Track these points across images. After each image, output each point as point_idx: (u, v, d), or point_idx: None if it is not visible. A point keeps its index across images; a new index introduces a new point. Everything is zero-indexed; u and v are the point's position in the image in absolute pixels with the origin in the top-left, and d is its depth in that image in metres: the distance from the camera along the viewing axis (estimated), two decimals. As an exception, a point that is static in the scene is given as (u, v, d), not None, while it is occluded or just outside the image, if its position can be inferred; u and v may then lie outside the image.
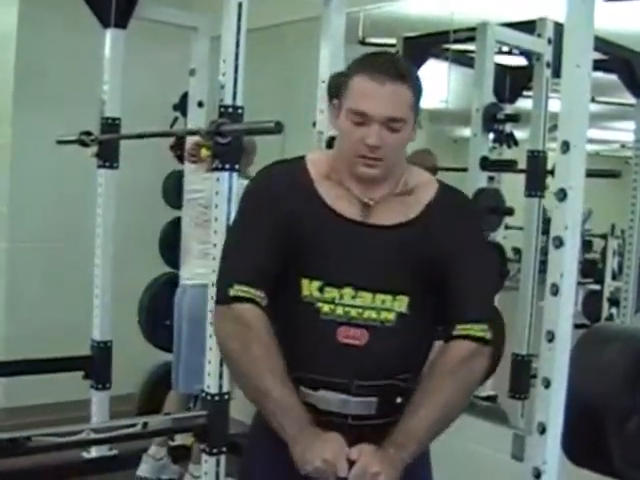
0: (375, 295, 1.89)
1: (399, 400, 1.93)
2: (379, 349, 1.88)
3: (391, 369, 1.91)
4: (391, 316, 1.89)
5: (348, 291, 1.89)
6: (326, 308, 1.89)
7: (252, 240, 1.94)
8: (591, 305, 5.60)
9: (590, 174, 4.94)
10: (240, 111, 3.28)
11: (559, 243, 2.07)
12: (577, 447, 2.26)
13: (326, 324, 1.88)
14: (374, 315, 1.89)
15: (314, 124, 3.71)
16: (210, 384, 3.40)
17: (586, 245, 6.71)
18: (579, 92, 2.08)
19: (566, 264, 2.07)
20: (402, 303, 1.90)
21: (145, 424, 3.74)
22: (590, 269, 6.29)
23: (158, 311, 4.59)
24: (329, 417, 1.88)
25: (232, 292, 1.88)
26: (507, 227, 5.04)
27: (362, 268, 1.90)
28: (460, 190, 2.08)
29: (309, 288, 1.90)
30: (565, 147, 2.08)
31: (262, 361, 1.83)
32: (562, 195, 2.08)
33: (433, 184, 2.01)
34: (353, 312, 1.88)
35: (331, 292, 1.89)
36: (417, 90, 1.92)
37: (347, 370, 1.87)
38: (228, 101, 3.27)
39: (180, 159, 4.71)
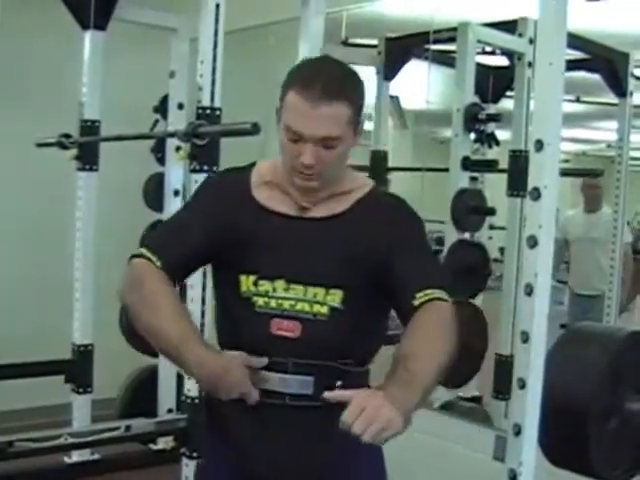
0: (307, 288, 1.89)
1: (339, 383, 1.90)
2: (313, 342, 1.88)
3: (327, 359, 1.90)
4: (324, 310, 1.88)
5: (280, 284, 1.89)
6: (260, 301, 1.90)
7: (177, 226, 2.03)
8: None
9: (573, 173, 4.97)
10: (218, 113, 3.27)
11: (533, 242, 2.06)
12: (556, 447, 2.25)
13: (260, 317, 1.90)
14: (307, 308, 1.89)
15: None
16: (190, 387, 3.39)
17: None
18: (552, 90, 2.08)
19: (540, 264, 2.06)
20: (335, 297, 1.88)
21: (128, 427, 3.72)
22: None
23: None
24: (268, 398, 1.88)
25: (135, 252, 1.95)
26: (492, 227, 5.05)
27: (295, 261, 1.90)
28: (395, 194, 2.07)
29: (246, 283, 1.91)
30: (539, 145, 2.07)
31: (159, 308, 1.86)
32: (536, 194, 2.07)
33: (367, 186, 2.01)
34: (286, 304, 1.89)
35: (264, 285, 1.90)
36: (356, 100, 1.88)
37: (283, 355, 1.89)
38: (206, 103, 3.25)
39: (161, 161, 4.68)
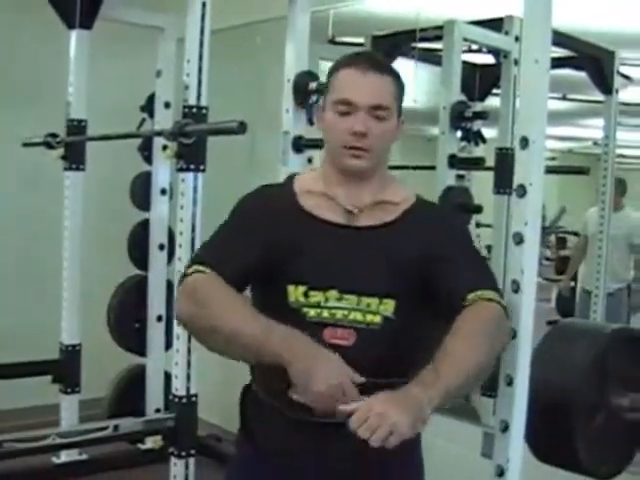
0: (360, 298, 1.87)
1: None
2: (367, 350, 1.85)
3: (385, 371, 1.85)
4: (377, 319, 1.87)
5: (333, 294, 1.87)
6: (312, 312, 1.87)
7: (225, 242, 1.97)
8: (564, 302, 5.61)
9: (559, 171, 4.98)
10: (204, 111, 3.28)
11: (519, 239, 2.06)
12: (543, 444, 2.26)
13: (312, 326, 1.84)
14: (360, 317, 1.87)
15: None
16: (178, 386, 3.39)
17: (560, 242, 6.73)
18: (538, 87, 2.07)
19: (526, 260, 2.06)
20: (389, 307, 1.87)
21: (116, 427, 3.72)
22: (564, 266, 6.31)
23: (127, 313, 4.56)
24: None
25: (188, 271, 1.89)
26: (478, 225, 5.05)
27: (347, 271, 1.88)
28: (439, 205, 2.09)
29: (295, 294, 1.88)
30: (524, 143, 2.07)
31: (221, 307, 1.81)
32: (522, 191, 2.07)
33: (413, 198, 2.03)
34: (339, 314, 1.87)
35: (316, 296, 1.87)
36: (399, 85, 1.96)
37: None
38: (192, 102, 3.26)
39: (148, 160, 4.68)
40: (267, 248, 1.89)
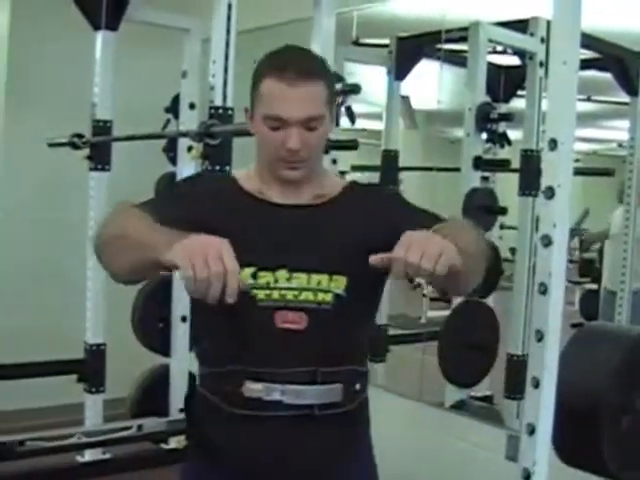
0: (310, 275, 1.83)
1: (357, 387, 1.91)
2: (319, 333, 1.83)
3: (337, 357, 1.85)
4: (328, 297, 1.83)
5: (282, 274, 1.82)
6: (261, 294, 1.82)
7: (157, 206, 1.90)
8: (588, 304, 5.59)
9: (585, 172, 4.97)
10: (230, 112, 3.28)
11: (547, 241, 2.05)
12: (569, 447, 2.24)
13: (263, 311, 1.81)
14: (311, 297, 1.83)
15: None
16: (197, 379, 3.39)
17: (583, 244, 6.70)
18: (566, 89, 2.07)
19: (554, 263, 2.05)
20: (339, 284, 1.84)
21: (139, 427, 3.74)
22: (587, 268, 6.28)
23: (152, 313, 4.57)
24: (295, 410, 1.82)
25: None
26: (502, 227, 5.03)
27: (294, 249, 1.84)
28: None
29: (241, 277, 1.74)
30: (553, 144, 2.06)
31: (131, 219, 1.78)
32: (550, 193, 2.06)
33: (346, 182, 2.02)
34: (289, 295, 1.82)
35: (265, 276, 1.81)
36: (330, 82, 1.89)
37: (289, 356, 1.81)
38: (218, 102, 3.26)
39: (173, 161, 4.69)
40: (204, 228, 1.68)
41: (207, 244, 1.56)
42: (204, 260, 1.53)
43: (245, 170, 2.01)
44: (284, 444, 1.83)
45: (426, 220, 1.83)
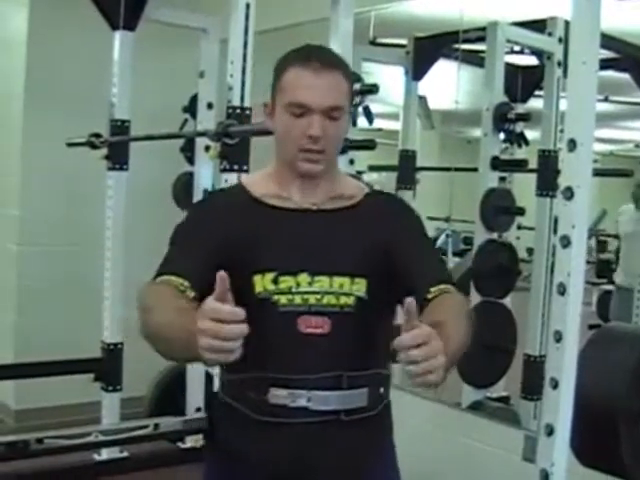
0: (332, 278, 1.82)
1: (382, 390, 1.91)
2: (344, 337, 1.82)
3: (363, 359, 1.85)
4: (351, 300, 1.82)
5: (304, 277, 1.80)
6: (283, 300, 1.80)
7: (184, 251, 1.86)
8: (605, 305, 5.58)
9: (602, 173, 4.96)
10: (248, 112, 3.28)
11: (566, 242, 2.05)
12: (587, 448, 2.24)
13: (285, 316, 1.80)
14: (333, 300, 1.81)
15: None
16: (218, 385, 3.40)
17: (600, 245, 6.69)
18: (585, 89, 2.06)
19: (573, 263, 2.05)
20: (361, 286, 1.83)
21: (156, 425, 3.75)
22: (604, 269, 6.27)
23: (169, 313, 4.58)
24: (321, 416, 1.81)
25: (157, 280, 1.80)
26: (519, 227, 5.03)
27: (315, 252, 1.83)
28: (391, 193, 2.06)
29: (262, 283, 1.80)
30: (572, 145, 2.05)
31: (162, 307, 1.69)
32: (569, 194, 2.06)
33: (365, 188, 2.00)
34: (312, 299, 1.80)
35: (286, 281, 1.80)
36: (350, 79, 1.90)
37: (314, 362, 1.79)
38: (236, 102, 3.27)
39: (190, 161, 4.70)
40: (226, 244, 1.79)
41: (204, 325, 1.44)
42: (220, 344, 1.44)
43: (258, 173, 2.02)
44: (310, 451, 1.82)
45: (429, 261, 1.89)
